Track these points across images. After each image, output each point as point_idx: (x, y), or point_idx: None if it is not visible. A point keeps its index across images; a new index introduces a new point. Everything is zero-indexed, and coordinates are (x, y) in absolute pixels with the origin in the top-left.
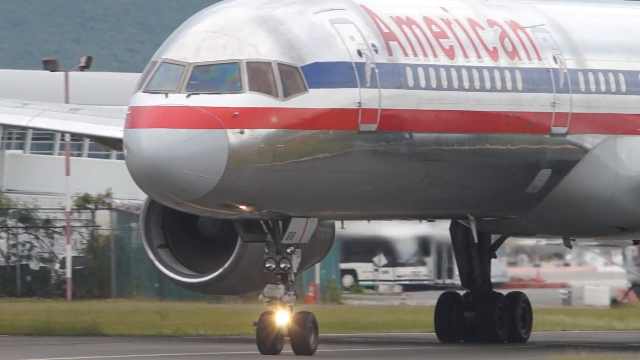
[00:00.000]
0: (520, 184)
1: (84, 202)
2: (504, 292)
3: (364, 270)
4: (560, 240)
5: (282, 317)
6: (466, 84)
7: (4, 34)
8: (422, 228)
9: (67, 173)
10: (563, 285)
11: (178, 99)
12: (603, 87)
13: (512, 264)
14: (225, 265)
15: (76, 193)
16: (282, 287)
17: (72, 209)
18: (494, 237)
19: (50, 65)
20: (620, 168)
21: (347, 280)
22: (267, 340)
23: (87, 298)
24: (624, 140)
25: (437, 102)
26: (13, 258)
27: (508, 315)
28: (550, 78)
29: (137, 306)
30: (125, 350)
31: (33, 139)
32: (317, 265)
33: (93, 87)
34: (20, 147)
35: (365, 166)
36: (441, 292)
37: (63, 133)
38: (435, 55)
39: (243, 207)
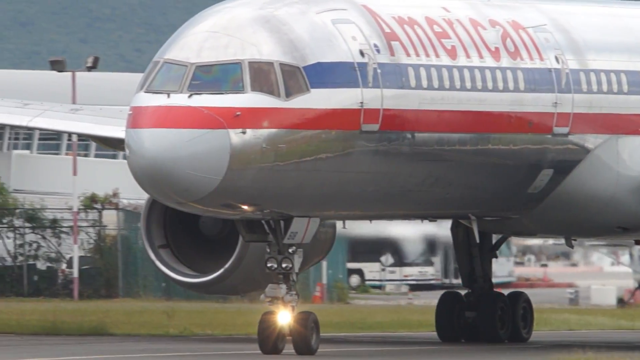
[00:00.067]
0: (522, 184)
1: (91, 202)
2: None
3: (371, 270)
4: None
5: (284, 317)
6: (468, 84)
7: (11, 34)
8: (429, 228)
9: (74, 173)
10: (570, 285)
11: (180, 99)
12: (605, 87)
13: (519, 263)
14: (227, 265)
15: (83, 193)
16: (283, 287)
17: (79, 209)
18: (495, 237)
19: (57, 65)
20: (622, 168)
21: (354, 280)
22: (268, 340)
23: (94, 298)
24: (626, 141)
25: (439, 102)
26: (20, 258)
27: (509, 315)
28: (552, 78)
29: (144, 306)
30: (132, 350)
31: (40, 139)
32: (324, 265)
33: (100, 88)
34: (27, 147)
35: (367, 166)
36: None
37: (63, 133)
38: (437, 56)
39: (245, 207)
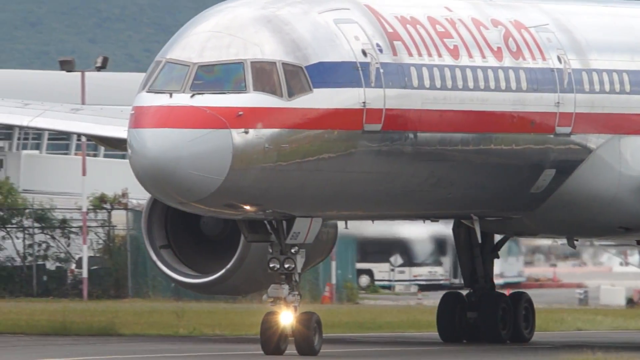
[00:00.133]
0: (524, 184)
1: (100, 202)
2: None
3: (380, 270)
4: (578, 241)
5: (286, 317)
6: (470, 84)
7: (20, 34)
8: (438, 228)
9: (84, 173)
10: (579, 285)
11: (182, 99)
12: (607, 87)
13: (528, 263)
14: (228, 266)
15: (92, 193)
16: (286, 287)
17: (89, 209)
18: (496, 238)
19: (66, 65)
20: (624, 168)
21: (364, 280)
22: (271, 340)
23: (103, 298)
24: (628, 140)
25: (442, 102)
26: (29, 258)
27: (511, 316)
28: (555, 78)
29: (153, 306)
30: (141, 350)
31: (49, 139)
32: (334, 265)
33: (109, 88)
34: (37, 147)
35: (370, 166)
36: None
37: (69, 134)
38: (439, 55)
39: (247, 207)
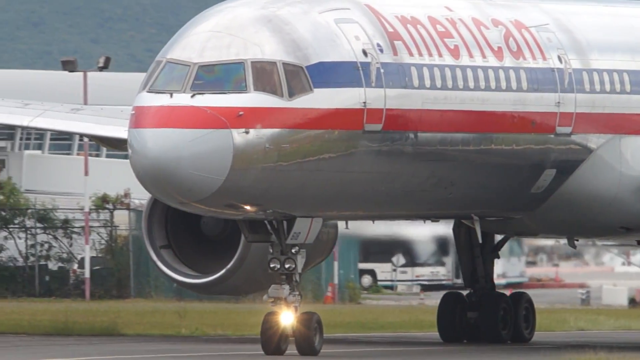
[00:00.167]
0: (524, 184)
1: (102, 202)
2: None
3: (382, 270)
4: (579, 241)
5: (287, 318)
6: (471, 84)
7: (22, 34)
8: (440, 228)
9: (86, 173)
10: (581, 285)
11: (183, 99)
12: (608, 87)
13: (530, 263)
14: (228, 266)
15: (95, 193)
16: (286, 287)
17: (91, 209)
18: (496, 238)
19: (68, 65)
20: (624, 168)
21: (366, 280)
22: (271, 340)
23: (106, 298)
24: (629, 140)
25: (442, 102)
26: (32, 258)
27: (511, 316)
28: (555, 78)
29: (156, 306)
30: (143, 351)
31: (52, 139)
32: (336, 266)
33: (112, 88)
34: (39, 147)
35: (370, 166)
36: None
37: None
38: (440, 55)
39: (248, 208)
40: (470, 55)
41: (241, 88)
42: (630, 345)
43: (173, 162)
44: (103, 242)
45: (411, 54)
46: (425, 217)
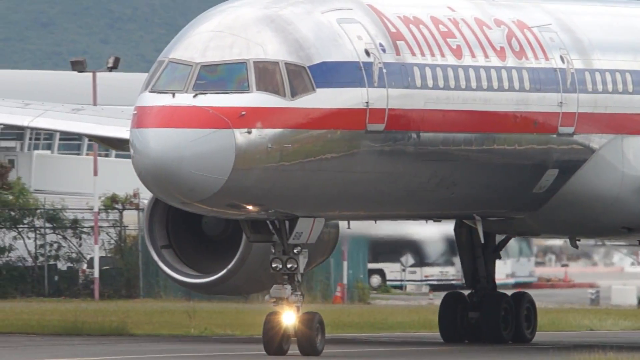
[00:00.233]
0: (527, 184)
1: (111, 202)
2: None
3: (391, 270)
4: (588, 241)
5: (289, 318)
6: (473, 84)
7: (32, 34)
8: (449, 228)
9: (95, 173)
10: (591, 285)
11: (185, 99)
12: (610, 87)
13: (540, 263)
14: (230, 266)
15: (104, 193)
16: (288, 287)
17: (100, 209)
18: (498, 238)
19: (78, 66)
20: (626, 168)
21: (375, 280)
22: (273, 340)
23: (115, 298)
24: (631, 140)
25: (445, 102)
26: (41, 258)
27: (513, 316)
28: (558, 78)
29: (165, 306)
30: (152, 350)
31: (61, 139)
32: (345, 266)
33: (121, 88)
34: (49, 147)
35: (373, 166)
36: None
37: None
38: (442, 55)
39: (250, 207)
40: (473, 55)
41: (243, 88)
42: (639, 346)
43: (175, 162)
44: (112, 242)
45: (414, 54)
46: (427, 217)
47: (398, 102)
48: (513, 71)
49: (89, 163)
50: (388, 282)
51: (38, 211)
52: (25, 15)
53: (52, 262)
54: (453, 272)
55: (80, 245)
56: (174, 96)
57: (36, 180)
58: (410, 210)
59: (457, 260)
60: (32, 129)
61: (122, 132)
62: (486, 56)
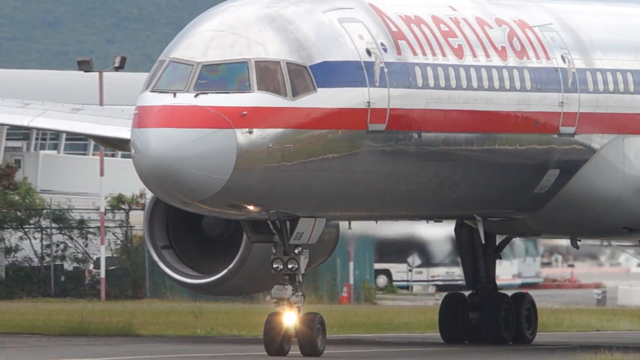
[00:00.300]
0: (528, 184)
1: (118, 202)
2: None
3: (398, 270)
4: (594, 241)
5: (290, 318)
6: (475, 84)
7: (38, 34)
8: None
9: (101, 173)
10: (597, 286)
11: (186, 99)
12: (611, 87)
13: (546, 264)
14: (230, 266)
15: (110, 193)
16: (289, 287)
17: (106, 210)
18: (498, 238)
19: (84, 65)
20: (628, 168)
21: (381, 280)
22: (274, 341)
23: (121, 298)
24: (632, 140)
25: (446, 101)
26: (47, 258)
27: (513, 316)
28: (559, 78)
29: (171, 306)
30: (159, 351)
31: (67, 139)
32: (351, 266)
33: (127, 88)
34: (55, 147)
35: (374, 166)
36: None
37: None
38: (443, 55)
39: (251, 208)
40: (474, 55)
41: (245, 88)
42: None
43: (176, 162)
44: (118, 242)
45: (415, 54)
46: (428, 217)
47: (399, 102)
48: (514, 71)
49: (95, 163)
50: (394, 283)
51: (44, 211)
52: (32, 15)
53: (58, 262)
54: (459, 273)
55: (86, 246)
56: (175, 96)
57: (42, 181)
58: (411, 210)
59: None
60: (31, 129)
61: (121, 131)
62: (487, 56)
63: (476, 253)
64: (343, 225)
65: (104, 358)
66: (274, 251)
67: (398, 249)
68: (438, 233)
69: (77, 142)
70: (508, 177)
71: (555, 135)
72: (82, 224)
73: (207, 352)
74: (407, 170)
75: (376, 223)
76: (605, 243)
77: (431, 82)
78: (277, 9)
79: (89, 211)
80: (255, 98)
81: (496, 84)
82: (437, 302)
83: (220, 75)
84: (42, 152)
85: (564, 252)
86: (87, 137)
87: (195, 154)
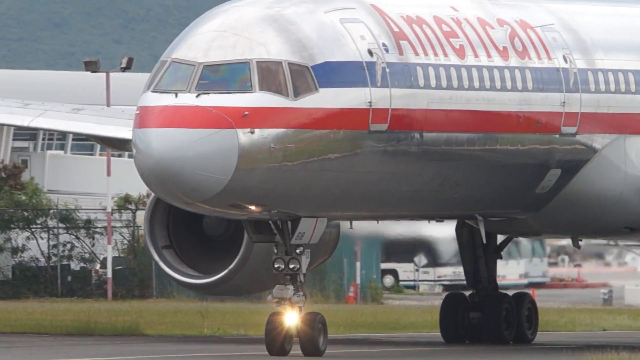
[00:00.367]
0: (529, 184)
1: (124, 202)
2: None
3: (404, 270)
4: (601, 241)
5: (291, 318)
6: (476, 84)
7: (45, 35)
8: None
9: (108, 173)
10: (604, 286)
11: (188, 99)
12: (613, 87)
13: (552, 264)
14: (231, 266)
15: (117, 193)
16: (291, 287)
17: (113, 210)
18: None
19: (91, 66)
20: (629, 168)
21: (388, 280)
22: (276, 341)
23: (128, 298)
24: (634, 140)
25: (448, 101)
26: (54, 258)
27: (514, 316)
28: (560, 78)
29: (178, 306)
30: (166, 351)
31: (74, 139)
32: (358, 266)
33: (134, 88)
34: (62, 147)
35: (376, 166)
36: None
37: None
38: (445, 55)
39: (253, 208)
40: (476, 55)
41: (246, 88)
42: None
43: (178, 162)
44: (125, 242)
45: (417, 54)
46: (430, 217)
47: (401, 102)
48: (516, 71)
49: (102, 163)
50: (401, 282)
51: (51, 211)
52: (39, 16)
53: (65, 262)
54: None
55: (93, 246)
56: (176, 96)
57: (49, 181)
58: (413, 210)
59: None
60: (31, 129)
61: (121, 131)
62: (489, 56)
63: (477, 253)
64: (348, 225)
65: (111, 358)
66: (275, 251)
67: (405, 249)
68: (445, 233)
69: (84, 143)
70: (510, 177)
71: (557, 135)
72: (89, 224)
73: (213, 352)
74: (408, 170)
75: (377, 223)
76: (612, 243)
77: (433, 82)
78: (279, 9)
79: (95, 211)
80: (257, 98)
81: (498, 84)
82: None
83: (221, 75)
84: (48, 152)
85: (571, 252)
86: (87, 137)
87: (196, 154)
